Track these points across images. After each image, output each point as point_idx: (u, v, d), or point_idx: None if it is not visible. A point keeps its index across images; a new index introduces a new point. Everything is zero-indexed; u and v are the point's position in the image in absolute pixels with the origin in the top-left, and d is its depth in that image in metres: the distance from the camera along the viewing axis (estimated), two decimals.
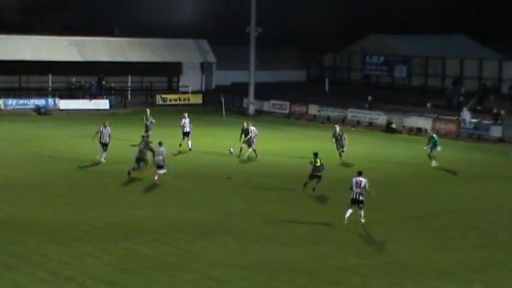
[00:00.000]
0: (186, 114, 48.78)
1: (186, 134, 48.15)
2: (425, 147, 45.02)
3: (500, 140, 55.43)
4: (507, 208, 34.97)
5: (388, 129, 60.89)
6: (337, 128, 46.08)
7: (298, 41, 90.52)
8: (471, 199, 36.57)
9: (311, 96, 72.96)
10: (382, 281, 24.23)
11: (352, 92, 76.64)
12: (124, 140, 49.33)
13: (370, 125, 64.01)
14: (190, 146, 47.77)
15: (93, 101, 71.35)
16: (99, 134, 43.30)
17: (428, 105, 64.10)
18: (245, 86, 72.94)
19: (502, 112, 57.83)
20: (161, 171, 38.21)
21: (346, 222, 30.77)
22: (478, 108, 65.85)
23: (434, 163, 43.89)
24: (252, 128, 45.99)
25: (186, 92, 76.96)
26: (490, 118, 58.68)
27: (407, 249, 27.78)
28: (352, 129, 61.40)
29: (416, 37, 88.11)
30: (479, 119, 59.22)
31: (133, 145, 45.13)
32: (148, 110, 51.84)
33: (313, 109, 69.15)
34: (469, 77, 76.13)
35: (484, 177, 42.24)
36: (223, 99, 68.69)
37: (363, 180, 31.16)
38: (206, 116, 65.88)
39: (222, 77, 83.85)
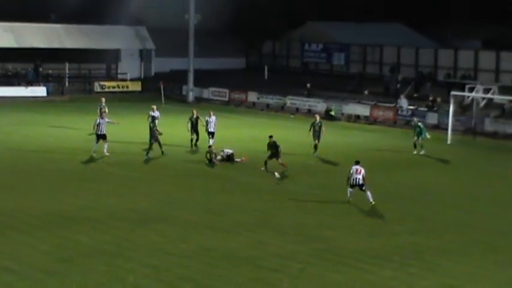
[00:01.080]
0: (212, 113, 45.72)
1: (210, 134, 44.86)
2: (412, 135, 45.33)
3: (436, 127, 56.14)
4: (443, 194, 35.50)
5: (327, 116, 61.22)
6: (317, 118, 44.66)
7: (237, 29, 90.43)
8: (407, 185, 37.02)
9: (250, 84, 73.03)
10: (319, 267, 24.43)
11: (291, 80, 76.88)
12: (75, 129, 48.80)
13: (309, 112, 64.28)
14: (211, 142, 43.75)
15: (30, 88, 70.42)
16: (96, 126, 41.77)
17: (366, 92, 64.62)
18: (184, 73, 72.70)
19: (438, 99, 58.58)
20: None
21: (350, 200, 32.33)
22: (414, 95, 66.59)
23: (422, 151, 44.05)
24: (213, 117, 45.32)
25: (125, 79, 76.43)
26: (426, 105, 59.42)
27: (344, 235, 28.03)
28: (291, 116, 61.66)
29: (355, 25, 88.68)
30: (415, 106, 59.92)
31: (90, 134, 44.21)
32: (103, 99, 50.28)
33: (252, 96, 69.26)
34: (406, 65, 76.93)
35: (421, 163, 42.75)
36: (162, 87, 68.39)
37: (362, 169, 32.33)
38: (145, 103, 65.37)
39: (161, 64, 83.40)
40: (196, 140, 45.36)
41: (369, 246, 26.77)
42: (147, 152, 41.80)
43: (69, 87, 73.81)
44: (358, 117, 61.20)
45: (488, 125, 53.41)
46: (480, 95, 55.75)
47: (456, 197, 35.05)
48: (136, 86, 75.39)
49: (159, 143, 41.90)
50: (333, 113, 61.44)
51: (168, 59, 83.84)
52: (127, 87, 74.75)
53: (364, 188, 32.16)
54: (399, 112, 59.48)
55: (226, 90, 71.33)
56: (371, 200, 31.88)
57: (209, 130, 44.88)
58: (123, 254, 25.26)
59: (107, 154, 41.46)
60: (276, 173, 37.32)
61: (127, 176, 37.71)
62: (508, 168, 42.25)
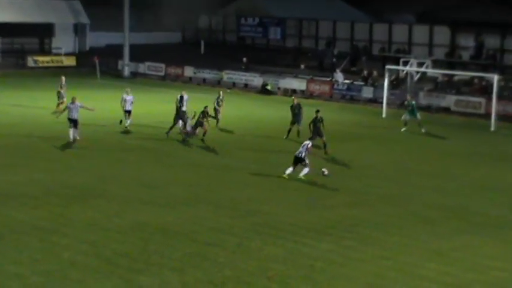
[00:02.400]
0: (129, 90, 44.27)
1: (127, 113, 43.19)
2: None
3: (371, 101, 56.71)
4: (377, 167, 35.92)
5: (264, 90, 61.43)
6: (295, 101, 43.27)
7: (173, 3, 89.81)
8: (343, 159, 37.34)
9: (187, 59, 72.82)
10: (256, 241, 24.55)
11: (227, 54, 76.80)
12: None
13: (246, 87, 64.41)
14: (128, 123, 43.06)
15: None
16: (67, 110, 39.55)
17: (302, 66, 64.89)
18: (120, 47, 72.09)
19: (375, 73, 59.10)
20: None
21: (286, 177, 32.28)
22: (351, 69, 67.08)
23: (423, 129, 44.23)
24: (130, 96, 44.58)
25: (59, 54, 75.48)
26: (362, 79, 59.93)
27: (280, 209, 28.20)
28: (228, 90, 61.61)
29: None
30: (351, 80, 60.40)
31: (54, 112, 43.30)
32: (63, 78, 48.61)
33: (189, 71, 69.08)
34: (341, 39, 77.33)
35: (357, 137, 43.17)
36: (97, 62, 67.74)
37: (309, 143, 32.81)
38: (80, 78, 64.77)
39: (97, 39, 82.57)
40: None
41: (306, 220, 27.00)
42: (168, 131, 40.96)
43: (2, 62, 72.63)
44: (294, 91, 61.45)
45: (422, 99, 54.09)
46: (414, 68, 56.40)
47: (390, 170, 35.49)
48: (71, 61, 74.56)
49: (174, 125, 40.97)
50: (269, 87, 61.61)
51: (103, 34, 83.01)
52: (61, 62, 73.90)
53: (303, 163, 32.34)
54: (335, 86, 59.89)
55: (163, 65, 70.99)
56: (301, 174, 32.23)
57: (125, 108, 43.01)
58: (58, 230, 25.07)
59: (78, 138, 38.81)
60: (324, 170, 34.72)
61: (63, 152, 37.35)
62: (441, 141, 42.91)
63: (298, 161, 32.45)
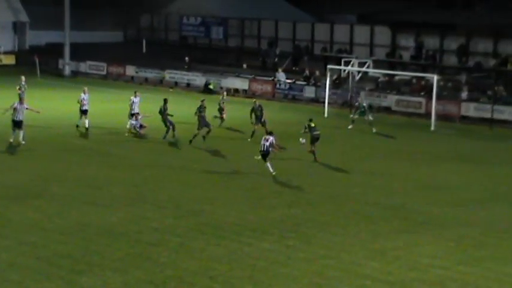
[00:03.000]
0: (86, 89, 43.35)
1: (84, 112, 42.50)
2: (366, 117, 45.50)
3: (313, 100, 56.96)
4: (319, 166, 36.03)
5: (206, 89, 61.29)
6: (256, 102, 43.16)
7: (115, 2, 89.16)
8: (285, 158, 37.39)
9: (128, 58, 72.29)
10: (199, 241, 24.49)
11: (169, 53, 76.48)
12: None
13: (188, 86, 64.22)
14: (87, 124, 42.33)
15: None
16: (11, 111, 37.78)
17: (244, 66, 64.91)
18: (61, 46, 71.32)
19: (317, 73, 59.37)
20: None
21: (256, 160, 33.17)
22: (293, 69, 67.29)
23: (350, 126, 44.88)
24: (87, 94, 43.98)
25: None
26: (304, 79, 60.16)
27: (223, 209, 28.16)
28: (170, 90, 61.38)
29: None
30: (293, 80, 60.60)
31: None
32: (23, 77, 47.59)
33: (130, 70, 68.64)
34: (283, 39, 77.55)
35: (298, 136, 43.23)
36: (37, 60, 66.94)
37: (270, 137, 33.21)
38: (20, 77, 63.87)
39: (36, 37, 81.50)
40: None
41: (248, 220, 27.01)
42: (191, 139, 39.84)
43: None
44: (237, 90, 61.47)
45: (364, 99, 54.37)
46: (356, 68, 56.81)
47: (332, 169, 35.66)
48: (10, 60, 73.56)
49: (204, 130, 39.91)
50: (211, 86, 61.51)
51: (43, 32, 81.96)
52: (0, 60, 72.83)
53: (266, 158, 32.88)
54: (277, 86, 60.03)
55: (104, 64, 70.44)
56: (271, 170, 32.86)
57: (82, 108, 42.54)
58: None
59: (23, 142, 37.72)
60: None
61: (2, 153, 36.79)
62: (383, 140, 43.28)
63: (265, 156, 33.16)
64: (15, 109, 37.54)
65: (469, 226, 27.03)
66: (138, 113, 41.65)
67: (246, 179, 32.78)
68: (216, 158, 37.20)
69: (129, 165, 35.01)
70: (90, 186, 30.86)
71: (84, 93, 42.61)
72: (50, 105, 46.77)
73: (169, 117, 40.93)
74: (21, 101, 38.09)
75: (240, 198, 29.91)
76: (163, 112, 41.11)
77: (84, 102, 42.37)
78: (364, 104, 46.06)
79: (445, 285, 21.36)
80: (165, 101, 41.74)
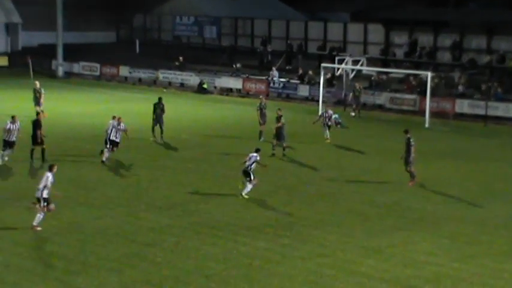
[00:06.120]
0: (38, 82, 42.01)
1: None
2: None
3: (307, 99, 56.97)
4: (314, 165, 36.02)
5: (200, 89, 61.28)
6: (263, 99, 42.81)
7: (107, 2, 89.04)
8: (279, 156, 37.40)
9: (122, 58, 72.19)
10: (195, 240, 24.51)
11: (163, 53, 76.39)
12: None
13: (182, 86, 64.19)
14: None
15: None
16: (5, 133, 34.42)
17: (238, 65, 64.88)
18: (54, 47, 71.22)
19: (310, 72, 59.36)
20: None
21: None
22: (287, 67, 67.27)
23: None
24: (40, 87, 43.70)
25: None
26: (298, 77, 60.17)
27: (218, 209, 28.16)
28: (164, 90, 61.32)
29: None
30: (287, 79, 60.61)
31: None
32: (37, 83, 46.48)
33: (124, 71, 68.57)
34: (277, 37, 77.53)
35: (292, 135, 43.23)
36: (30, 61, 66.84)
37: (254, 155, 30.05)
38: (13, 78, 63.89)
39: (29, 38, 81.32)
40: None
41: (243, 219, 27.02)
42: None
43: None
44: (230, 90, 61.48)
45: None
46: (349, 66, 56.82)
47: (327, 168, 35.67)
48: (3, 61, 73.41)
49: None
50: (205, 86, 61.49)
51: (36, 33, 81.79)
52: None
53: (248, 178, 29.82)
54: (271, 85, 60.03)
55: (97, 65, 70.35)
56: (243, 193, 29.65)
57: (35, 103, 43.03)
58: None
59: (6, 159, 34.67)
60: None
61: None
62: (377, 138, 43.30)
63: (246, 175, 30.00)
64: (8, 130, 34.23)
65: (463, 223, 27.09)
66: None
67: (241, 179, 32.70)
68: (211, 158, 37.17)
69: (122, 166, 34.96)
70: (83, 187, 30.84)
71: (37, 85, 41.46)
72: (43, 106, 46.59)
73: (163, 116, 40.62)
74: (14, 119, 34.54)
75: (235, 197, 29.88)
76: (158, 110, 40.74)
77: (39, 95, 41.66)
78: (359, 89, 46.29)
79: (440, 282, 21.40)
80: (160, 99, 41.41)
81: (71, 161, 35.56)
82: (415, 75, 55.36)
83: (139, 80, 67.03)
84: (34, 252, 23.12)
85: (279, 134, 37.61)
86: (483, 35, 61.54)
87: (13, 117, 34.66)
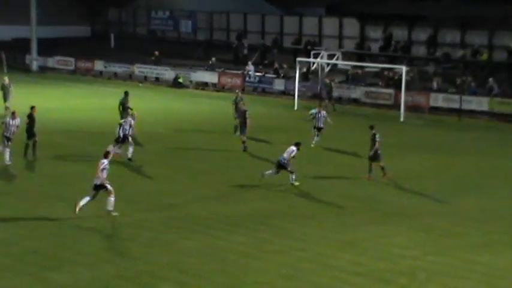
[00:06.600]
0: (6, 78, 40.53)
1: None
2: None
3: (283, 93, 57.04)
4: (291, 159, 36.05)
5: (175, 84, 61.18)
6: (238, 94, 42.92)
7: None
8: (256, 150, 37.43)
9: (97, 52, 71.90)
10: (171, 234, 24.50)
11: (138, 48, 76.17)
12: None
13: (158, 80, 64.05)
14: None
15: None
16: (3, 126, 33.79)
17: (213, 59, 64.80)
18: (27, 41, 70.79)
19: (285, 66, 59.42)
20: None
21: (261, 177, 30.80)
22: (263, 62, 67.25)
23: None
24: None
25: None
26: (273, 72, 60.21)
27: (194, 203, 28.15)
28: (140, 84, 61.26)
29: None
30: (263, 73, 60.63)
31: None
32: (6, 78, 45.80)
33: (99, 65, 68.32)
34: (252, 32, 77.48)
35: (269, 129, 43.32)
36: (3, 56, 66.34)
37: (293, 148, 30.95)
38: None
39: (2, 32, 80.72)
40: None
41: (219, 213, 27.02)
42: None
43: None
44: (206, 84, 61.44)
45: (334, 91, 54.64)
46: (325, 60, 56.92)
47: (303, 162, 35.68)
48: None
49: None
50: (181, 80, 61.40)
51: (9, 27, 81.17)
52: None
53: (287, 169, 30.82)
54: (247, 79, 60.03)
55: (72, 59, 70.05)
56: (293, 182, 30.72)
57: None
58: None
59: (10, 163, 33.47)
60: None
61: None
62: (352, 132, 43.40)
63: (281, 167, 30.92)
64: (7, 124, 33.59)
65: (438, 216, 27.25)
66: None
67: (217, 173, 32.75)
68: (186, 152, 37.14)
69: (97, 161, 34.72)
70: (59, 183, 30.71)
71: (5, 81, 40.46)
72: (18, 101, 46.33)
73: (129, 110, 40.34)
74: (13, 115, 34.05)
75: (212, 191, 29.90)
76: (123, 105, 40.66)
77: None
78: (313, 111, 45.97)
79: (416, 275, 21.51)
80: (126, 93, 41.35)
81: (46, 156, 35.36)
82: (391, 70, 55.56)
83: (115, 74, 66.81)
84: (9, 248, 23.00)
85: (241, 127, 37.38)
86: (457, 29, 61.85)
87: (14, 113, 34.13)
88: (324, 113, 39.31)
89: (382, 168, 32.24)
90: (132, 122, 35.22)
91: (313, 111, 41.45)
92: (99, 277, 20.88)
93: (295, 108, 50.57)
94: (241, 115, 37.95)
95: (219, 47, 75.25)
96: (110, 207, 25.89)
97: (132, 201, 28.25)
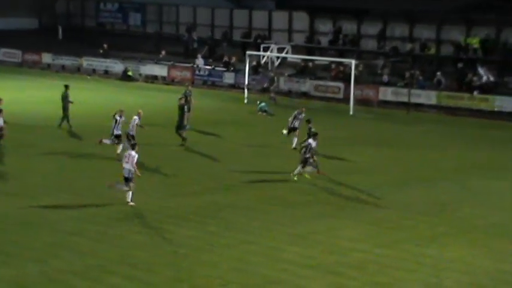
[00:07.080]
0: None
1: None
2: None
3: (233, 86, 56.95)
4: (239, 152, 36.06)
5: (125, 77, 60.72)
6: (188, 87, 43.47)
7: None
8: (205, 144, 37.32)
9: (44, 45, 71.03)
10: (120, 229, 24.31)
11: (87, 40, 75.45)
12: None
13: (107, 73, 63.52)
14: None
15: None
16: None
17: (163, 52, 64.46)
18: None
19: (234, 59, 59.29)
20: None
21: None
22: (213, 54, 67.06)
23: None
24: None
25: None
26: (223, 65, 60.07)
27: (143, 197, 27.89)
28: (88, 77, 60.67)
29: None
30: (212, 66, 60.46)
31: None
32: None
33: (47, 58, 67.50)
34: (202, 25, 77.25)
35: (218, 122, 43.22)
36: None
37: (311, 142, 31.31)
38: None
39: None
40: None
41: (169, 207, 26.90)
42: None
43: None
44: (156, 77, 61.08)
45: (283, 84, 54.75)
46: (274, 54, 56.93)
47: (252, 155, 35.73)
48: None
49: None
50: (130, 73, 60.95)
51: None
52: None
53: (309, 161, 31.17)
54: (196, 72, 59.82)
55: (19, 52, 69.14)
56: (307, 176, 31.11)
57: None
58: None
59: None
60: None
61: None
62: (301, 126, 43.44)
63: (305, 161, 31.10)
64: None
65: (387, 209, 27.42)
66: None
67: (165, 166, 32.57)
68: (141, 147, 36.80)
69: (45, 154, 34.43)
70: (4, 177, 30.30)
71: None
72: None
73: (69, 104, 39.90)
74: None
75: (160, 185, 29.74)
76: (64, 99, 40.24)
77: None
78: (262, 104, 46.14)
79: (365, 268, 21.62)
80: (67, 87, 40.91)
81: None
82: (341, 63, 55.74)
83: (63, 67, 66.08)
84: None
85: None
86: (406, 23, 62.30)
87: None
88: (303, 115, 38.47)
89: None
90: (137, 120, 34.84)
91: (262, 104, 41.55)
92: (47, 272, 20.63)
93: (245, 101, 50.51)
94: (181, 108, 37.59)
95: (168, 40, 74.84)
96: (129, 199, 26.87)
97: (79, 195, 28.00)
